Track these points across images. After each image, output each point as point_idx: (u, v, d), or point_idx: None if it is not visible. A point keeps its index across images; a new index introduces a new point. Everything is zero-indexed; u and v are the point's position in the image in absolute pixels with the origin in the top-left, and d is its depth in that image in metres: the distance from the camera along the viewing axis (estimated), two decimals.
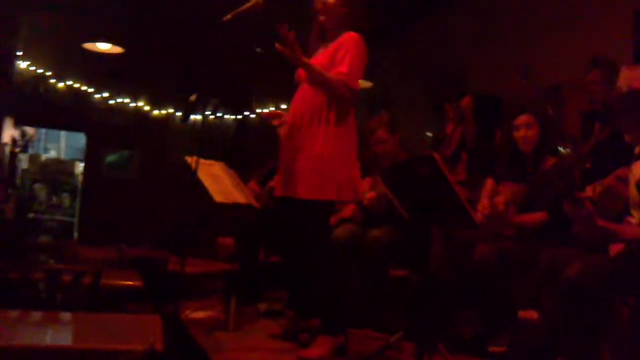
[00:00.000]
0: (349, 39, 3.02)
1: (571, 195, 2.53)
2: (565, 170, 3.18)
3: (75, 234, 8.72)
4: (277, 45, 2.91)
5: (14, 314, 2.37)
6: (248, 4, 3.01)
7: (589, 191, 2.70)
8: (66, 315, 2.42)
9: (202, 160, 3.54)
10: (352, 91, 2.99)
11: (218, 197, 3.69)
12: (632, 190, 2.60)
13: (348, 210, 4.08)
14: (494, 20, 5.88)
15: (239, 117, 8.74)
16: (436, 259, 3.55)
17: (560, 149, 4.05)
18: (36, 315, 2.39)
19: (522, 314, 3.01)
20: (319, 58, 3.10)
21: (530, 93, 4.74)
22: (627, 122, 2.66)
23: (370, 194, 3.91)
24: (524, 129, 3.46)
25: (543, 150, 3.45)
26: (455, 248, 3.50)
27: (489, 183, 3.67)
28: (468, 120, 4.27)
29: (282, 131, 4.53)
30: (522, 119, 3.47)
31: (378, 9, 3.24)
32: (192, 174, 3.33)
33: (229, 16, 2.98)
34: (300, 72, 3.19)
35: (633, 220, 2.60)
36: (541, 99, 4.49)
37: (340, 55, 2.99)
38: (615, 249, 2.66)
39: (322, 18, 3.13)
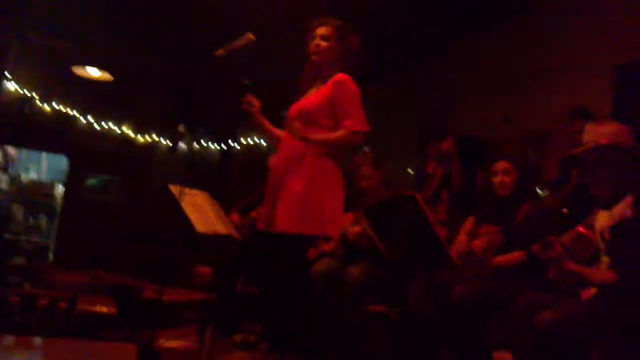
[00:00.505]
0: (343, 82, 3.05)
1: (542, 238, 2.60)
2: (542, 214, 3.25)
3: (51, 256, 8.61)
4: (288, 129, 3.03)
5: None
6: (241, 41, 3.06)
7: (566, 237, 2.75)
8: (40, 341, 2.39)
9: (186, 190, 3.56)
10: (362, 133, 3.04)
11: (200, 227, 3.69)
12: (598, 238, 2.69)
13: (329, 245, 4.10)
14: (481, 66, 6.01)
15: (224, 146, 8.76)
16: (416, 296, 3.58)
17: (539, 191, 4.13)
18: (9, 339, 2.37)
19: (497, 355, 3.03)
20: (312, 98, 3.13)
21: (512, 138, 4.84)
22: (593, 176, 2.77)
23: (355, 229, 3.94)
24: (501, 175, 3.56)
25: (520, 195, 3.53)
26: (435, 286, 3.52)
27: (469, 222, 3.73)
28: (453, 162, 4.34)
29: (271, 162, 4.58)
30: (500, 165, 3.58)
31: (369, 49, 3.28)
32: (176, 202, 3.34)
33: (221, 51, 3.03)
34: (291, 112, 3.21)
35: (602, 266, 2.67)
36: (523, 144, 4.58)
37: (342, 109, 3.04)
38: (585, 294, 2.72)
39: (314, 57, 3.17)
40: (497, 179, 3.58)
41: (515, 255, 3.36)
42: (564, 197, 3.74)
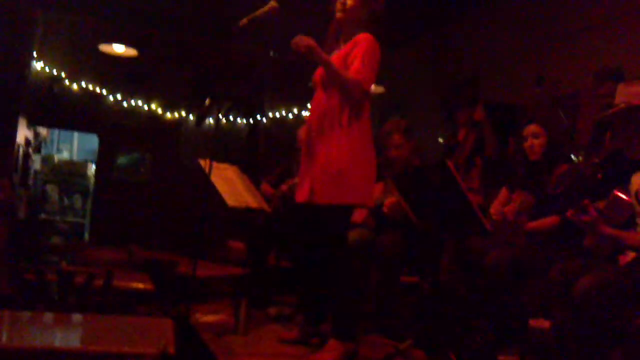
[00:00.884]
0: (364, 39, 3.00)
1: (577, 202, 2.54)
2: (576, 179, 3.19)
3: (86, 235, 8.76)
4: (294, 43, 2.91)
5: (26, 315, 2.38)
6: (263, 9, 3.03)
7: (601, 202, 2.69)
8: (78, 317, 2.43)
9: (215, 164, 3.56)
10: (365, 93, 2.98)
11: (231, 201, 3.70)
12: (634, 202, 2.63)
13: (359, 216, 4.08)
14: (506, 29, 5.87)
15: (251, 120, 8.76)
16: (447, 266, 3.55)
17: (573, 157, 4.04)
18: (48, 316, 2.41)
19: (533, 323, 2.99)
20: (334, 58, 3.09)
21: (543, 101, 4.72)
22: (627, 138, 2.69)
23: (389, 200, 3.91)
24: (531, 138, 3.49)
25: (552, 158, 3.46)
26: (467, 256, 3.49)
27: (503, 192, 3.68)
28: (485, 129, 4.26)
29: (301, 135, 4.55)
30: (529, 129, 3.50)
31: (393, 14, 3.21)
32: (206, 177, 3.35)
33: (244, 20, 3.00)
34: (315, 77, 3.19)
35: (639, 229, 2.60)
36: (554, 107, 4.47)
37: (354, 54, 2.97)
38: (624, 259, 2.67)
39: (339, 15, 3.12)
40: (527, 143, 3.51)
41: (549, 220, 3.30)
42: (598, 163, 3.65)
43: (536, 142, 3.47)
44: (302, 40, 2.90)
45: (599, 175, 3.27)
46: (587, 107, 4.50)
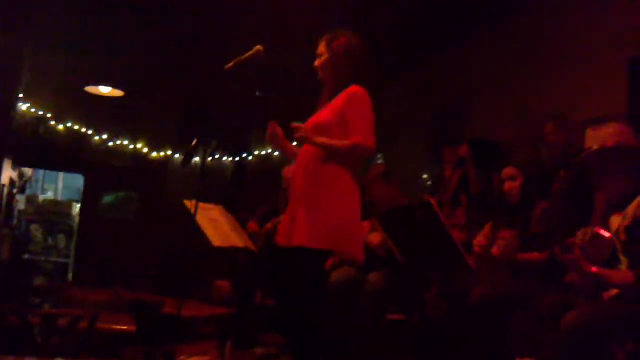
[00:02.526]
0: (357, 96, 3.03)
1: (561, 242, 2.58)
2: (555, 218, 3.25)
3: (70, 275, 8.67)
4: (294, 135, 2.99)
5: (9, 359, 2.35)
6: (249, 52, 3.07)
7: (578, 237, 2.73)
8: None
9: (201, 204, 3.57)
10: (369, 149, 3.01)
11: (216, 241, 3.70)
12: (614, 239, 2.68)
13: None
14: (492, 65, 5.96)
15: (238, 158, 8.79)
16: (433, 302, 3.55)
17: None
18: None
19: None
20: (325, 111, 3.11)
21: (524, 137, 4.80)
22: (599, 180, 2.75)
23: (375, 237, 3.92)
24: (508, 181, 3.54)
25: (530, 198, 3.51)
26: (452, 291, 3.50)
27: (487, 227, 3.72)
28: (469, 167, 4.33)
29: (287, 174, 4.58)
30: (506, 172, 3.57)
31: (378, 49, 3.26)
32: (191, 217, 3.35)
33: (230, 64, 3.04)
34: (306, 124, 3.21)
35: (622, 267, 2.65)
36: (534, 142, 4.55)
37: (351, 113, 3.01)
38: (608, 295, 2.70)
39: (319, 75, 3.18)
40: (505, 186, 3.57)
41: (537, 255, 3.33)
42: (567, 190, 3.74)
43: (513, 184, 3.53)
44: (297, 132, 2.97)
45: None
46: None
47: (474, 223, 4.10)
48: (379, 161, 7.51)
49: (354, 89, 3.04)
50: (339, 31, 3.18)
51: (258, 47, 3.10)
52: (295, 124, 3.00)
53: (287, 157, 3.11)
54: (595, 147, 2.73)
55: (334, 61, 3.12)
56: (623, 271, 2.63)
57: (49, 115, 7.97)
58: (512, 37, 5.72)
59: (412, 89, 7.31)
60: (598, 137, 2.77)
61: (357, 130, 2.97)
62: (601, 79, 4.54)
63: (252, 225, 5.01)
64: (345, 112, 3.02)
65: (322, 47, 3.16)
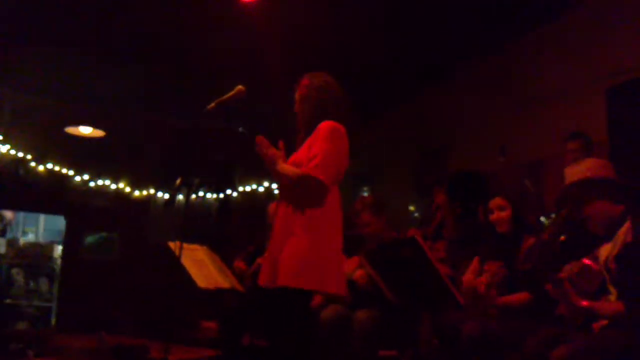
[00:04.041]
0: (322, 129, 2.99)
1: (551, 276, 2.58)
2: (542, 247, 3.24)
3: (54, 320, 8.50)
4: (258, 147, 2.96)
5: None
6: (231, 93, 3.07)
7: (572, 268, 2.73)
8: None
9: (185, 245, 3.53)
10: (321, 183, 2.91)
11: (202, 283, 3.66)
12: (603, 269, 2.71)
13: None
14: (474, 100, 6.04)
15: (222, 195, 8.75)
16: (425, 339, 3.51)
17: (543, 219, 4.11)
18: None
19: None
20: (299, 153, 3.10)
21: (509, 169, 4.85)
22: (583, 214, 2.79)
23: (360, 273, 3.89)
24: (497, 211, 3.55)
25: (519, 229, 3.51)
26: (443, 328, 3.46)
27: (475, 261, 3.70)
28: (446, 213, 4.36)
29: (271, 211, 4.55)
30: (495, 202, 3.57)
31: (360, 91, 3.26)
32: (176, 260, 3.31)
33: (212, 105, 3.04)
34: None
35: (611, 297, 2.66)
36: (519, 174, 4.59)
37: (314, 148, 2.96)
38: (597, 326, 2.70)
39: (295, 109, 3.17)
40: (493, 216, 3.57)
41: (520, 296, 3.32)
42: (560, 224, 3.74)
43: (502, 214, 3.53)
44: (258, 146, 2.94)
45: (562, 238, 3.34)
46: (549, 173, 4.63)
47: (456, 255, 4.11)
48: (365, 194, 7.54)
49: (323, 124, 3.00)
50: (314, 73, 3.20)
51: (240, 87, 3.10)
52: (260, 137, 2.96)
53: (273, 172, 3.01)
54: (574, 179, 2.79)
55: (308, 101, 3.11)
56: (613, 302, 2.65)
57: (29, 157, 7.90)
58: (492, 75, 5.82)
59: (395, 126, 7.38)
60: (575, 173, 2.81)
61: (313, 162, 2.92)
62: (581, 111, 4.62)
63: (239, 264, 4.95)
64: (312, 145, 2.99)
65: (298, 91, 3.18)
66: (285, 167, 2.97)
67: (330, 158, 2.92)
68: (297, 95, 3.16)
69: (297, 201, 2.96)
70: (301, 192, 2.95)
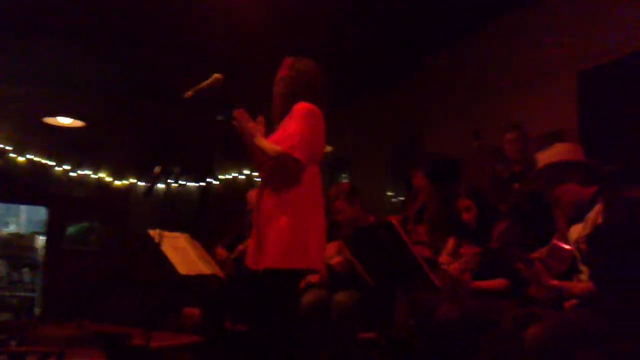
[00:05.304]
0: (298, 109, 3.02)
1: (521, 255, 2.65)
2: (512, 237, 3.35)
3: (37, 310, 8.49)
4: (236, 120, 2.98)
5: None
6: (208, 81, 3.09)
7: (543, 251, 2.80)
8: None
9: (166, 233, 3.56)
10: (297, 161, 2.93)
11: (183, 270, 3.69)
12: (575, 251, 2.77)
13: (315, 276, 4.11)
14: (448, 85, 6.10)
15: (202, 183, 8.76)
16: (402, 321, 3.59)
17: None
18: None
19: None
20: (275, 134, 3.13)
21: (482, 154, 4.91)
22: (553, 196, 2.85)
23: (337, 258, 3.95)
24: (465, 212, 3.68)
25: (487, 223, 3.65)
26: (418, 309, 3.54)
27: (451, 242, 3.79)
28: (426, 196, 4.42)
29: (251, 198, 4.59)
30: (462, 203, 3.71)
31: (335, 76, 3.29)
32: (156, 247, 3.34)
33: (190, 92, 3.05)
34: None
35: (582, 277, 2.72)
36: (491, 158, 4.66)
37: (289, 128, 2.99)
38: (568, 304, 2.77)
39: (274, 90, 3.20)
40: (463, 216, 3.74)
41: (496, 282, 3.41)
42: (522, 206, 3.88)
43: (469, 215, 3.69)
44: (236, 118, 2.96)
45: (516, 185, 3.45)
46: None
47: (437, 238, 4.18)
48: (344, 180, 7.60)
49: (299, 105, 3.03)
50: (300, 57, 3.23)
51: (217, 75, 3.12)
52: (239, 111, 2.97)
53: (250, 147, 3.02)
54: (540, 167, 2.85)
55: (287, 81, 3.14)
56: (582, 282, 2.72)
57: (9, 148, 7.85)
58: (464, 61, 5.88)
59: (372, 113, 7.43)
60: (546, 157, 2.87)
61: (289, 141, 2.94)
62: (552, 95, 4.68)
63: (220, 251, 4.99)
64: (287, 126, 3.03)
65: (280, 72, 3.21)
66: (264, 141, 2.99)
67: (305, 137, 2.95)
68: (278, 76, 3.18)
69: (276, 182, 3.00)
70: (278, 170, 2.99)
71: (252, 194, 5.02)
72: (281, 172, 2.97)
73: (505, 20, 5.37)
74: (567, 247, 2.78)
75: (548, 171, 2.84)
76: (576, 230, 2.80)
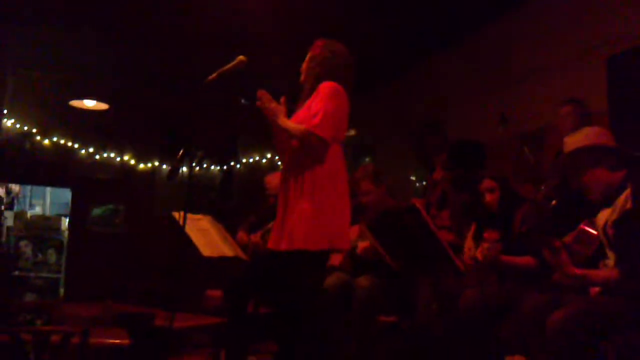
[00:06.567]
0: (323, 88, 3.02)
1: (547, 240, 2.62)
2: (535, 212, 3.29)
3: (62, 291, 8.62)
4: (260, 100, 2.98)
5: None
6: (232, 63, 3.09)
7: (569, 236, 2.77)
8: None
9: (189, 215, 3.58)
10: (322, 140, 2.94)
11: (206, 251, 3.72)
12: (602, 236, 2.74)
13: (336, 259, 4.10)
14: (474, 68, 6.03)
15: (225, 167, 8.79)
16: (424, 306, 3.58)
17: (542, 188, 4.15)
18: None
19: (509, 359, 3.02)
20: (300, 113, 3.13)
21: (509, 139, 4.86)
22: (582, 182, 2.81)
23: (363, 243, 3.94)
24: (488, 193, 3.64)
25: (510, 206, 3.61)
26: (442, 295, 3.53)
27: (474, 227, 3.76)
28: (446, 188, 4.40)
29: (272, 182, 4.59)
30: (485, 184, 3.67)
31: (361, 58, 3.27)
32: (180, 228, 3.36)
33: (214, 75, 3.05)
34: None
35: (609, 262, 2.68)
36: (518, 143, 4.60)
37: (314, 106, 2.99)
38: (594, 290, 2.74)
39: (301, 79, 3.19)
40: (485, 198, 3.70)
41: (524, 260, 3.37)
42: (552, 189, 3.79)
43: (492, 196, 3.64)
44: (260, 100, 2.96)
45: (554, 202, 3.39)
46: (548, 141, 4.64)
47: (461, 223, 4.15)
48: (367, 162, 7.57)
49: (324, 84, 3.03)
50: (331, 39, 3.21)
51: (241, 57, 3.11)
52: (262, 91, 2.98)
53: (274, 127, 3.03)
54: (569, 150, 2.81)
55: (316, 60, 3.14)
56: (605, 270, 2.69)
57: (34, 130, 7.94)
58: (493, 45, 5.80)
59: (397, 97, 7.39)
60: (574, 142, 2.82)
61: (315, 120, 2.94)
62: (581, 80, 4.60)
63: (242, 235, 5.01)
64: (312, 105, 3.02)
65: (310, 51, 3.20)
66: (287, 121, 3.00)
67: (330, 116, 2.95)
68: (308, 55, 3.18)
69: (300, 161, 3.00)
70: (302, 149, 2.99)
71: (270, 179, 5.03)
72: (306, 150, 2.97)
73: (534, 3, 5.28)
74: (593, 232, 2.74)
75: (577, 155, 2.80)
76: (604, 215, 2.76)
